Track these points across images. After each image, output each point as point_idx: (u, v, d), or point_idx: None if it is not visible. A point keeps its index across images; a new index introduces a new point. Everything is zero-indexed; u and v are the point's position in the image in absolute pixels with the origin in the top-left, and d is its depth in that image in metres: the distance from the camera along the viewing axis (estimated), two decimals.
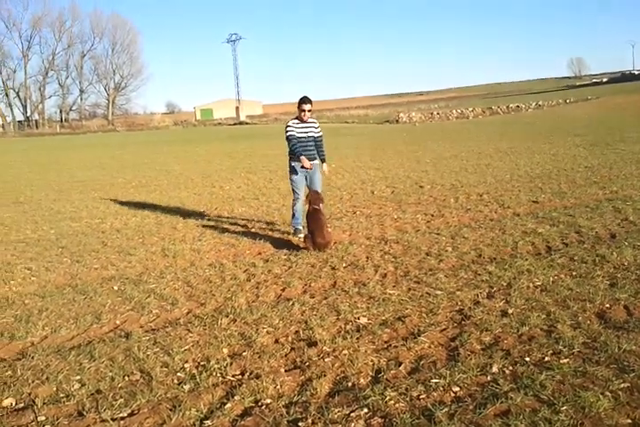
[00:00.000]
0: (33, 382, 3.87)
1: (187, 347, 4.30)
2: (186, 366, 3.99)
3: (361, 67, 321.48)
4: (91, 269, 6.85)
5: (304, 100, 7.54)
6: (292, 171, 7.64)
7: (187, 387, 3.68)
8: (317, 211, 7.08)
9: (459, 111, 49.87)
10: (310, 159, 7.48)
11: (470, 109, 50.08)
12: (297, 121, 7.63)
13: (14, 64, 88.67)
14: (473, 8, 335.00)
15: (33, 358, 4.28)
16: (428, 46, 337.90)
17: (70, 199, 13.23)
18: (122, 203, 12.08)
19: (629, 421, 3.00)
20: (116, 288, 5.97)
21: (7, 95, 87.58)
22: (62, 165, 23.82)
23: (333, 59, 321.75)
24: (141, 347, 4.32)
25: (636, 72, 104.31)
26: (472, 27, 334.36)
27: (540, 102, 51.27)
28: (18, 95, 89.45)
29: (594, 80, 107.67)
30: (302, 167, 7.49)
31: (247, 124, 70.13)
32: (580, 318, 4.34)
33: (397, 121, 46.61)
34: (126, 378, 3.88)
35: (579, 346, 3.85)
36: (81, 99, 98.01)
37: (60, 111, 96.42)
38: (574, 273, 5.38)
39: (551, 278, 5.26)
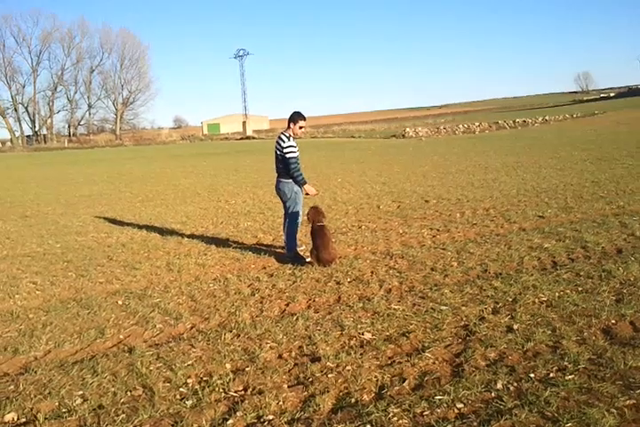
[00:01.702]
0: (35, 396, 3.87)
1: (190, 362, 4.29)
2: (189, 381, 3.98)
3: (367, 81, 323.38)
4: (95, 284, 6.86)
5: (303, 116, 7.18)
6: (299, 192, 7.29)
7: (189, 403, 3.67)
8: (322, 227, 7.03)
9: (465, 126, 49.87)
10: None
11: (477, 124, 50.06)
12: (293, 139, 7.20)
13: (23, 79, 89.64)
14: (478, 24, 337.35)
15: (36, 372, 4.29)
16: (435, 62, 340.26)
17: (77, 213, 13.29)
18: (128, 217, 12.12)
19: None
20: (120, 303, 5.98)
21: (16, 110, 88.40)
22: (70, 179, 23.95)
23: (339, 74, 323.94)
24: (144, 362, 4.32)
25: None
26: (478, 42, 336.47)
27: (547, 117, 51.26)
28: (26, 110, 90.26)
29: (601, 95, 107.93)
30: (306, 194, 7.36)
31: (254, 138, 70.36)
32: (586, 333, 4.31)
33: (404, 136, 46.61)
34: (129, 393, 3.87)
35: (584, 362, 3.82)
36: (89, 113, 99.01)
37: (69, 126, 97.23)
38: (580, 288, 5.35)
39: (557, 294, 5.23)
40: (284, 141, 7.12)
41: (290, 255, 7.39)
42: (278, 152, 7.20)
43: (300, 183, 7.21)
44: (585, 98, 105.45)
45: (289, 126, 7.22)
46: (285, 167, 7.18)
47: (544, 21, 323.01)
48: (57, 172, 29.62)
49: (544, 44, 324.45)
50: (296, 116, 7.16)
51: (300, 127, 7.19)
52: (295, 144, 7.15)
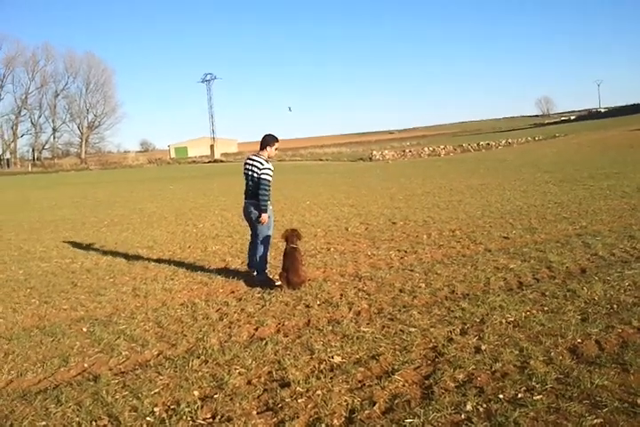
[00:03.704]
0: None
1: (156, 390, 4.20)
2: (155, 409, 3.90)
3: (334, 105, 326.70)
4: (59, 311, 6.71)
5: (277, 138, 7.20)
6: (271, 215, 7.29)
7: None
8: (295, 249, 6.99)
9: (430, 149, 50.55)
10: None
11: (442, 147, 50.81)
12: (269, 162, 7.19)
13: None
14: (440, 49, 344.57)
15: None
16: (398, 86, 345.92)
17: (40, 239, 13.02)
18: (93, 242, 11.90)
19: None
20: (85, 330, 5.84)
21: None
22: (33, 204, 23.53)
23: (306, 97, 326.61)
24: (110, 391, 4.22)
25: (603, 110, 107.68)
26: (441, 67, 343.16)
27: (510, 140, 52.25)
28: None
29: (562, 118, 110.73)
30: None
31: (222, 161, 70.28)
32: (553, 353, 4.35)
33: (371, 159, 47.11)
34: (93, 423, 3.78)
35: (551, 382, 3.86)
36: (54, 137, 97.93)
37: (33, 150, 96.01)
38: (546, 308, 5.42)
39: (523, 314, 5.29)
40: (262, 164, 7.07)
41: (260, 278, 7.33)
42: (255, 175, 7.08)
43: (263, 210, 7.10)
44: (546, 121, 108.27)
45: (264, 149, 7.19)
46: (257, 189, 7.07)
47: (505, 46, 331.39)
48: (20, 196, 29.09)
49: (505, 69, 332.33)
50: (272, 139, 7.18)
51: (275, 149, 7.25)
52: (272, 168, 7.15)
